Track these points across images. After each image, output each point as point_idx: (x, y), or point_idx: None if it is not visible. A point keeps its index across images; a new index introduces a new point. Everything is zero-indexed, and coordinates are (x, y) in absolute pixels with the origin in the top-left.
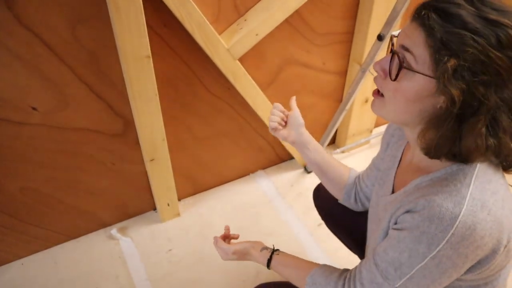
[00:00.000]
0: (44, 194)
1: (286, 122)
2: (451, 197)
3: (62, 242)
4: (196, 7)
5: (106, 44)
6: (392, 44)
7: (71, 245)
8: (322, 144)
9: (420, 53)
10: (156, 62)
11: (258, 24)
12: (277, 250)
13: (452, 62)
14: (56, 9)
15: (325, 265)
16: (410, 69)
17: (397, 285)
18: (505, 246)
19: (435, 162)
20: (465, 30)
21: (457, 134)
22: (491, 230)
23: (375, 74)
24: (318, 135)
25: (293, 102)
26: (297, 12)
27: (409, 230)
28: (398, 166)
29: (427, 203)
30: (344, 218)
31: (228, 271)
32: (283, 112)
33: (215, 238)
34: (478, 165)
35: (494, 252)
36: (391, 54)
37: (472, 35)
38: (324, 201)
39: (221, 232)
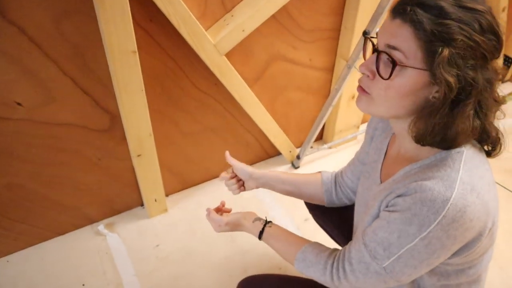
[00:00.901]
0: (29, 190)
1: (241, 180)
2: (442, 182)
3: (48, 238)
4: (182, 2)
5: (91, 39)
6: (373, 44)
7: (58, 241)
8: (309, 140)
9: (409, 48)
10: (142, 57)
11: (245, 20)
12: (270, 222)
13: (446, 52)
14: (41, 3)
15: (316, 243)
16: (403, 65)
17: (384, 265)
18: (490, 229)
19: (423, 151)
20: (451, 20)
21: (450, 119)
22: (479, 213)
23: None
24: (305, 131)
25: (228, 158)
26: (284, 8)
27: (400, 212)
28: (384, 158)
29: (418, 187)
30: (331, 212)
31: (216, 266)
32: (232, 177)
33: (208, 209)
34: (465, 151)
35: (480, 235)
36: (376, 54)
37: (458, 24)
38: None
39: (209, 227)
